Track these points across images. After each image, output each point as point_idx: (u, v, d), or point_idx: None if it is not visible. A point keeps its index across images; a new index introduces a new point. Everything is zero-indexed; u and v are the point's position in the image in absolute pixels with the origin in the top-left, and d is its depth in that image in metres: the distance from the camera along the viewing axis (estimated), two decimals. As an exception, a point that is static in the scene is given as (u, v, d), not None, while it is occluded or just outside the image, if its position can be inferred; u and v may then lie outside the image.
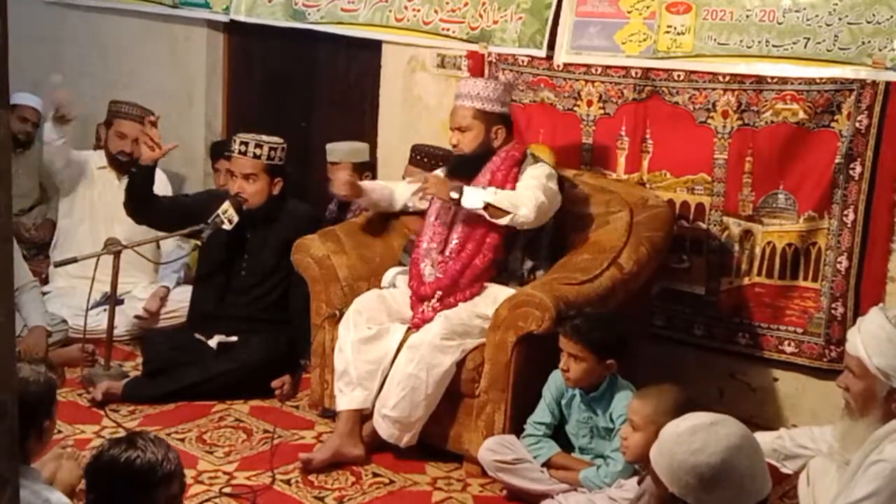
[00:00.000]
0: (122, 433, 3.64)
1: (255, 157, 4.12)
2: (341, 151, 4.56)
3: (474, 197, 3.54)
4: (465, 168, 3.73)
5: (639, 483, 2.25)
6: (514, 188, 3.64)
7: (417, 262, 3.73)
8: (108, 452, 2.27)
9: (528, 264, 3.68)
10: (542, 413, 3.36)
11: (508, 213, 3.51)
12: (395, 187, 4.08)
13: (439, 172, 3.88)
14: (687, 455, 1.89)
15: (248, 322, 4.18)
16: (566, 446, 3.36)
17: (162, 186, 4.84)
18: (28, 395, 2.38)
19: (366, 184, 4.07)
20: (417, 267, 3.71)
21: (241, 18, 5.20)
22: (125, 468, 2.22)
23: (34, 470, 2.46)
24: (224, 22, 5.43)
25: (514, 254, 3.69)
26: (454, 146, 3.75)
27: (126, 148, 4.81)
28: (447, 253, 3.68)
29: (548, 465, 3.29)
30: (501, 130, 3.73)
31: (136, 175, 4.22)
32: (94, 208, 4.92)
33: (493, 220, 3.55)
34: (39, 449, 2.59)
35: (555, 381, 3.37)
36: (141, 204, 4.26)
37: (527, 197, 3.54)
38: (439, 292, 3.60)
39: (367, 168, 4.72)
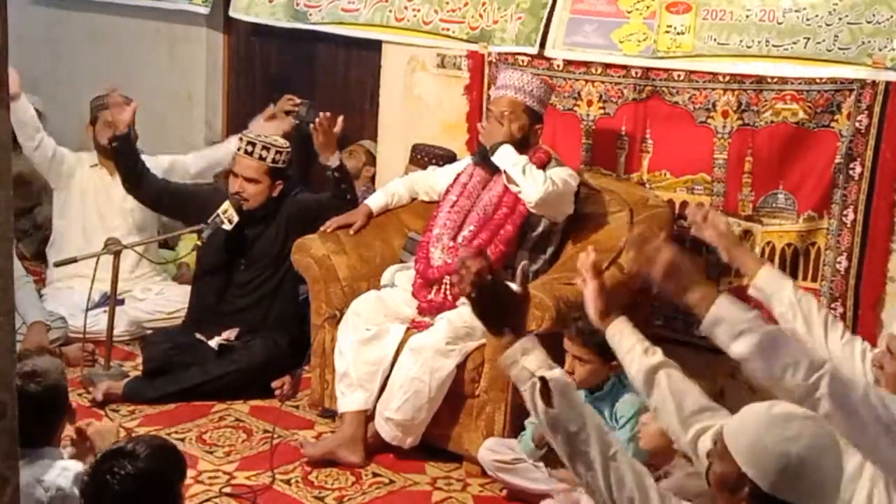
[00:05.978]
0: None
1: (261, 159, 4.11)
2: (366, 140, 4.92)
3: (505, 157, 3.61)
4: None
5: (657, 480, 2.21)
6: None
7: (426, 245, 3.72)
8: (103, 465, 2.14)
9: (532, 267, 3.67)
10: None
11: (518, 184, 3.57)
12: (417, 178, 4.13)
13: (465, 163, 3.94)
14: (778, 440, 1.85)
15: (248, 321, 4.18)
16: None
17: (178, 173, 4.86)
18: (58, 384, 2.52)
19: (378, 202, 4.08)
20: (426, 250, 3.70)
21: (239, 16, 5.18)
22: (128, 483, 2.11)
23: (55, 450, 2.50)
24: (224, 22, 5.43)
25: (520, 252, 3.69)
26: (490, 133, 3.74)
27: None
28: (459, 240, 3.68)
29: (538, 444, 3.23)
30: (540, 130, 3.76)
31: (118, 146, 4.21)
32: (88, 208, 4.82)
33: (507, 185, 3.62)
34: (63, 428, 2.62)
35: None
36: (132, 177, 4.28)
37: (543, 178, 3.58)
38: (448, 277, 3.57)
39: (373, 165, 4.81)
